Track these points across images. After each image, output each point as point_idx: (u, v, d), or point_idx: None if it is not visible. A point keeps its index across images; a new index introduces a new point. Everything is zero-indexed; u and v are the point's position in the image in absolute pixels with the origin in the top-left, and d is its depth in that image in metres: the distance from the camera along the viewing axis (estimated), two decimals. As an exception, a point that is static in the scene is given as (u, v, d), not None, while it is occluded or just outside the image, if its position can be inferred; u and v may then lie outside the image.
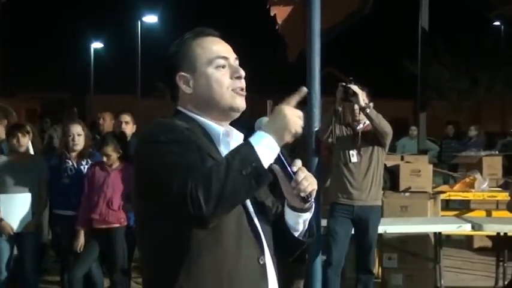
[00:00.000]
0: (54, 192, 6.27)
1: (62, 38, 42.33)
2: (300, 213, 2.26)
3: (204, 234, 2.05)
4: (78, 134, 6.23)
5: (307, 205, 2.21)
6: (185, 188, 1.94)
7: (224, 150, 2.18)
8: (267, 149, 2.02)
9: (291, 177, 2.12)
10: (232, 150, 2.04)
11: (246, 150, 2.01)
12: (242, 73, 2.24)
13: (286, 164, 2.13)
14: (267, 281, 2.19)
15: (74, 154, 6.23)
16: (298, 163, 2.14)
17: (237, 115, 2.26)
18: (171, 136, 2.08)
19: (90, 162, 6.21)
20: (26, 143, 6.23)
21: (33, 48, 42.32)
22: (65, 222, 6.14)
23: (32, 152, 6.64)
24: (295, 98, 2.15)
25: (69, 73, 39.84)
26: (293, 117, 2.06)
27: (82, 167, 6.18)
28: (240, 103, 2.24)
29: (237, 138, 2.26)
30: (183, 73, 2.23)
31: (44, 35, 43.69)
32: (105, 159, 5.96)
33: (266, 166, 2.01)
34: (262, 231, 2.19)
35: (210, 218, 1.98)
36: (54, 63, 40.42)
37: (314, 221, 2.37)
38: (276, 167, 2.15)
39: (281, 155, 2.12)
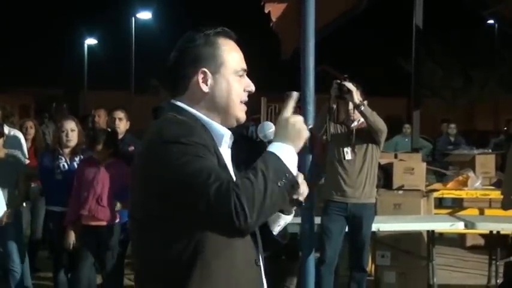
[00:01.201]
0: (47, 188, 6.24)
1: (55, 34, 42.24)
2: (284, 215, 2.32)
3: (220, 236, 2.03)
4: (72, 130, 6.21)
5: (294, 209, 2.29)
6: (228, 198, 1.90)
7: (223, 152, 2.19)
8: (290, 158, 2.06)
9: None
10: (262, 161, 2.02)
11: (275, 162, 2.02)
12: (253, 88, 2.27)
13: None
14: (263, 282, 2.22)
15: (67, 150, 6.21)
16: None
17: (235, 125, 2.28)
18: (193, 138, 2.03)
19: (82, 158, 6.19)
20: (0, 144, 6.20)
21: (26, 44, 42.22)
22: (58, 218, 6.12)
23: (25, 148, 6.65)
24: (290, 105, 2.19)
25: (62, 69, 39.77)
26: (301, 124, 2.13)
27: (75, 164, 6.16)
28: (244, 117, 2.27)
29: (231, 140, 2.26)
30: (205, 69, 2.19)
31: (38, 31, 43.61)
32: (95, 155, 5.95)
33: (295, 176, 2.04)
34: (256, 232, 2.20)
35: (250, 229, 1.97)
36: (48, 59, 40.36)
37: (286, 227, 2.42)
38: None
39: None
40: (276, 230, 2.34)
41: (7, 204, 6.02)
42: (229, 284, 2.08)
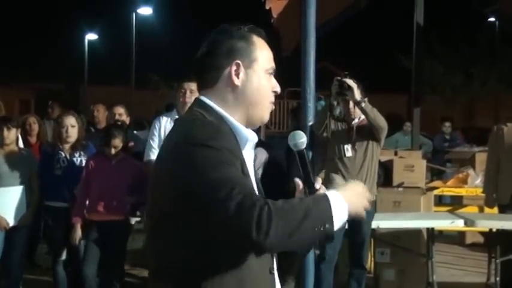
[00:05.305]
0: (46, 183, 6.24)
1: (56, 29, 42.22)
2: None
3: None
4: (72, 126, 6.18)
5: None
6: (251, 211, 1.85)
7: (245, 155, 2.14)
8: (340, 215, 2.02)
9: (311, 193, 2.16)
10: (312, 199, 2.02)
11: (324, 207, 1.98)
12: (279, 90, 2.25)
13: (309, 180, 2.18)
14: None
15: (67, 146, 6.19)
16: (319, 181, 2.19)
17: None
18: (221, 142, 1.99)
19: (83, 154, 6.17)
20: (13, 136, 6.14)
21: (27, 39, 42.20)
22: (57, 214, 6.10)
23: (21, 145, 6.61)
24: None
25: (63, 64, 39.73)
26: (365, 198, 2.17)
27: (75, 159, 6.15)
28: (268, 118, 2.26)
29: (255, 142, 2.24)
30: (239, 62, 2.16)
31: (39, 26, 43.57)
32: (112, 151, 5.89)
33: (335, 230, 2.00)
34: None
35: (266, 248, 1.91)
36: (49, 54, 40.32)
37: None
38: (298, 181, 2.20)
39: (310, 172, 2.18)
40: None
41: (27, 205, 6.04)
42: None
